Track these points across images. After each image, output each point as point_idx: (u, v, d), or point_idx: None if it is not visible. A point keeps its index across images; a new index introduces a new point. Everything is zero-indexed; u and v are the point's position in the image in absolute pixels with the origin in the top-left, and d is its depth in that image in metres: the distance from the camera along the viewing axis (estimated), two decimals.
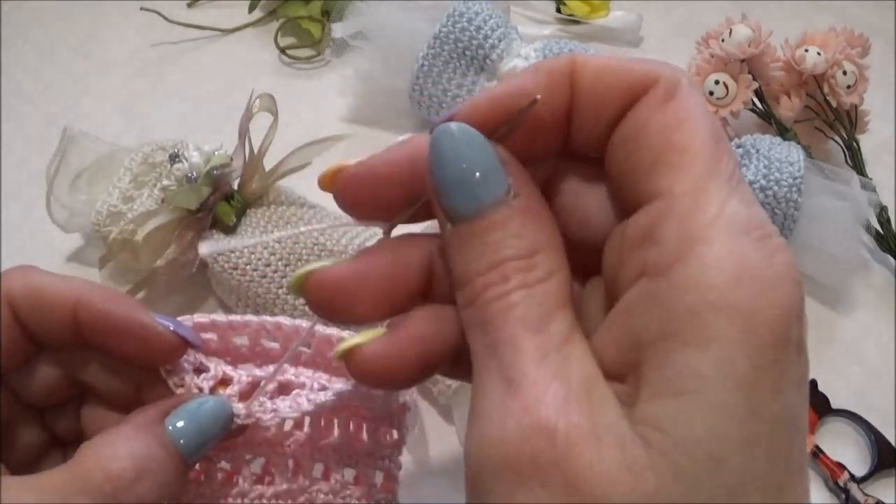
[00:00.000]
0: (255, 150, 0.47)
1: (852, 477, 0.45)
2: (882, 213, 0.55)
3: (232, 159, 0.46)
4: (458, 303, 0.22)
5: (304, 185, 0.49)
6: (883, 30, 0.70)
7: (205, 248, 0.31)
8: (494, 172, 0.20)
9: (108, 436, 0.26)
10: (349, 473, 0.31)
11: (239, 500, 0.29)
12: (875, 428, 0.47)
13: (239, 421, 0.28)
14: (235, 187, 0.47)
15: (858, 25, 0.59)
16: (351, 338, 0.23)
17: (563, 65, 0.22)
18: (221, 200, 0.46)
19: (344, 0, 0.59)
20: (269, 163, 0.48)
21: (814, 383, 0.49)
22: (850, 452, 0.47)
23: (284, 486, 0.30)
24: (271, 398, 0.28)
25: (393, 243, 0.24)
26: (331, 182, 0.24)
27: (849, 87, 0.56)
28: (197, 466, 0.29)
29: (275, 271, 0.45)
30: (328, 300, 0.23)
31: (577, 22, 0.68)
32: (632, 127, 0.21)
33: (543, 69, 0.22)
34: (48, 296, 0.27)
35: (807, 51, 0.56)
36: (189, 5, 0.68)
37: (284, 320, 0.31)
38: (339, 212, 0.25)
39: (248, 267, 0.45)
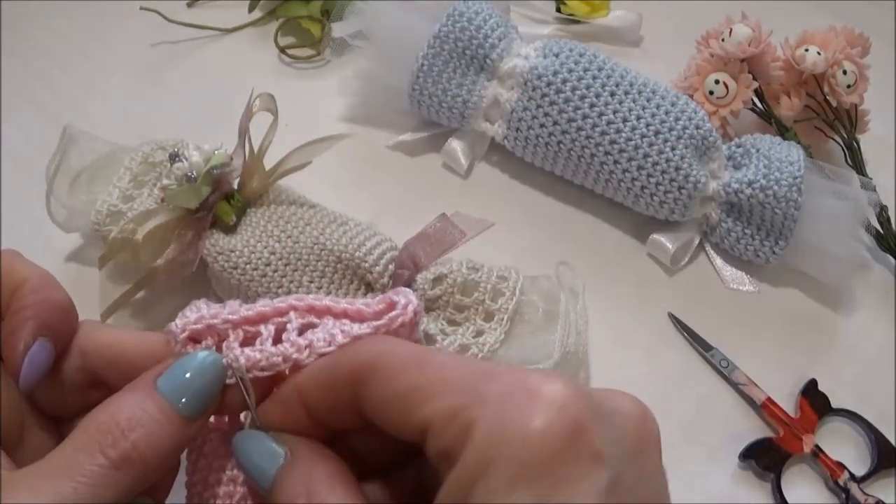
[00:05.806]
0: (255, 150, 0.47)
1: (852, 476, 0.45)
2: (882, 213, 0.55)
3: (232, 158, 0.46)
4: None
5: (305, 184, 0.49)
6: (883, 30, 0.70)
7: None
8: (273, 454, 0.27)
9: (105, 401, 0.27)
10: None
11: None
12: (875, 427, 0.47)
13: (274, 360, 0.28)
14: (235, 187, 0.47)
15: (858, 25, 0.59)
16: None
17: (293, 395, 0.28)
18: (221, 200, 0.46)
19: (344, 0, 0.59)
20: (269, 162, 0.48)
21: (814, 383, 0.49)
22: (850, 452, 0.47)
23: None
24: (300, 334, 0.28)
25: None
26: None
27: (849, 86, 0.56)
28: (213, 420, 0.30)
29: (275, 271, 0.45)
30: None
31: (577, 22, 0.68)
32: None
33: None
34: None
35: (807, 50, 0.56)
36: (189, 5, 0.68)
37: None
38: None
39: (248, 266, 0.45)
